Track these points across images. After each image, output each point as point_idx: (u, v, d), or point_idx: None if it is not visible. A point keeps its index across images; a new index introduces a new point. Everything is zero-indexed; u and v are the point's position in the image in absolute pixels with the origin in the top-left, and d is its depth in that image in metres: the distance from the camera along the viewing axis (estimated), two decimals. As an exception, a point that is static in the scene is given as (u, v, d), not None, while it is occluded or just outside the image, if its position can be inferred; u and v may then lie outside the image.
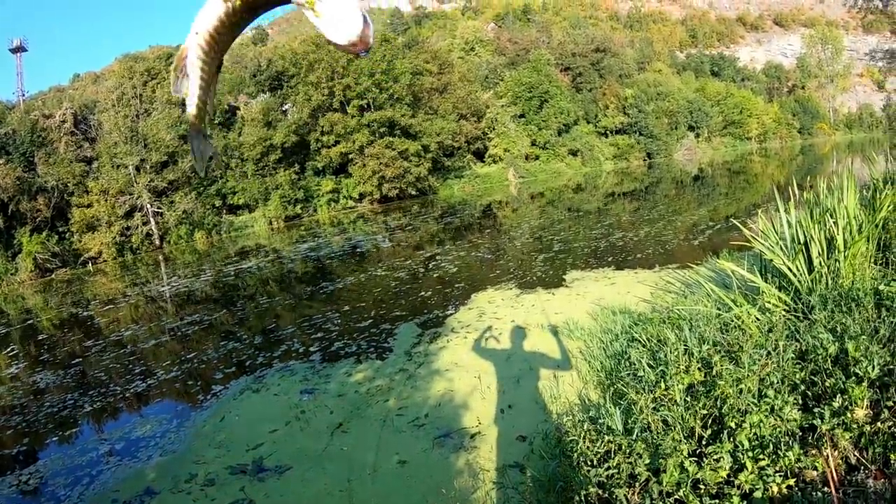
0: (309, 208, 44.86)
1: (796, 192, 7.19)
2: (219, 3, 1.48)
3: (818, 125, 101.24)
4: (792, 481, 3.07)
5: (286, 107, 48.58)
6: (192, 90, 1.57)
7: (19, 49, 76.04)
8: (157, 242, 37.45)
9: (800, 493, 3.03)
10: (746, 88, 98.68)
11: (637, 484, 3.47)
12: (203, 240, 38.34)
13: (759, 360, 4.17)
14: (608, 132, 70.31)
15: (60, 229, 34.89)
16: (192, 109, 1.60)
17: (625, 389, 5.12)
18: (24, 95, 65.50)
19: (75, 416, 8.60)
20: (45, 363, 12.23)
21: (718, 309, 6.07)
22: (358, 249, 23.45)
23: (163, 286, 21.47)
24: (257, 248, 29.58)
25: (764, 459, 3.15)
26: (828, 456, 3.10)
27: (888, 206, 6.43)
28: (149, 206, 37.23)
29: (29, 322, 18.15)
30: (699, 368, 4.39)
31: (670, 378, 4.41)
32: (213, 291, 18.45)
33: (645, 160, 69.03)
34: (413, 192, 47.99)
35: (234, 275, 21.15)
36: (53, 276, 31.16)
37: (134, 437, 7.44)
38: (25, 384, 10.84)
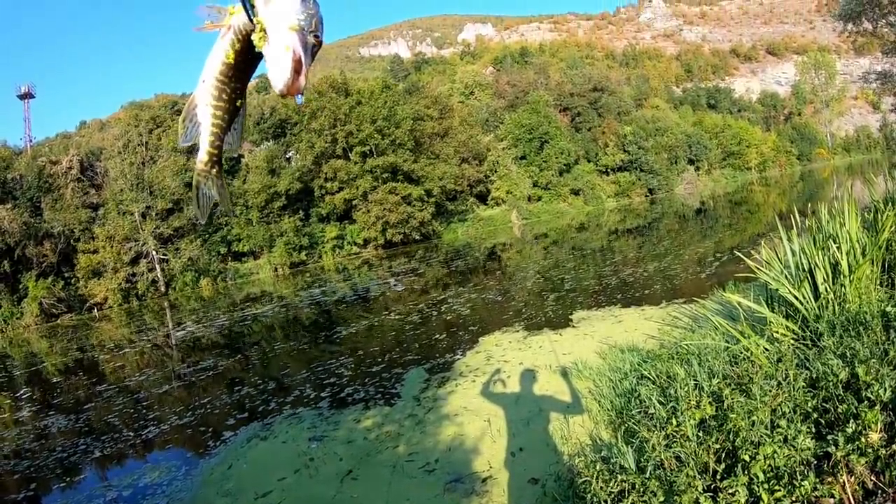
0: (314, 255, 44.97)
1: (798, 219, 7.19)
2: (222, 49, 1.49)
3: (816, 150, 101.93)
4: (809, 511, 3.01)
5: (290, 154, 49.13)
6: (203, 137, 1.57)
7: (27, 95, 77.23)
8: (163, 289, 37.56)
9: (818, 524, 2.98)
10: (743, 119, 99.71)
11: (652, 522, 3.41)
12: (208, 287, 38.42)
13: (770, 391, 4.12)
14: (609, 170, 70.67)
15: (66, 275, 35.13)
16: (203, 156, 1.59)
17: (636, 427, 5.06)
18: (31, 141, 66.40)
19: (82, 462, 8.55)
20: (52, 408, 12.20)
21: (727, 342, 6.02)
22: (363, 295, 23.45)
23: (169, 333, 21.45)
24: (263, 295, 29.57)
25: (780, 490, 3.09)
26: (844, 482, 3.05)
27: (890, 227, 6.41)
28: (154, 252, 37.45)
29: (35, 367, 18.15)
30: (710, 402, 4.33)
31: (681, 414, 4.36)
32: (219, 338, 18.41)
33: (647, 196, 69.25)
34: (417, 237, 48.10)
35: (241, 322, 21.12)
36: (59, 321, 31.26)
37: (141, 484, 7.36)
38: (32, 429, 10.81)
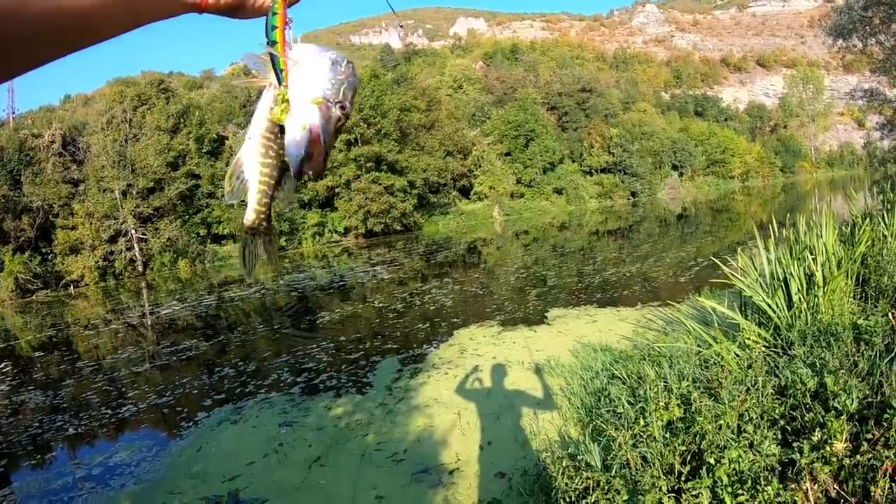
0: (293, 241, 44.74)
1: (776, 229, 7.25)
2: (266, 105, 1.34)
3: (800, 163, 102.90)
4: (770, 517, 3.04)
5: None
6: (251, 195, 1.44)
7: (12, 66, 75.86)
8: (140, 269, 37.17)
9: (778, 530, 3.00)
10: (730, 128, 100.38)
11: (615, 520, 3.43)
12: (186, 268, 38.11)
13: (739, 396, 4.16)
14: (593, 171, 70.99)
15: (43, 250, 34.67)
16: (250, 215, 1.45)
17: (604, 426, 5.09)
18: (14, 113, 65.11)
19: (54, 440, 8.47)
20: (25, 385, 12.05)
21: (699, 346, 6.06)
22: (341, 284, 23.38)
23: (145, 313, 21.27)
24: (240, 279, 29.39)
25: (743, 495, 3.12)
26: (807, 490, 3.08)
27: (866, 241, 6.49)
28: (133, 231, 37.03)
29: (9, 343, 17.91)
30: (678, 405, 4.37)
31: (649, 414, 4.39)
32: (195, 321, 18.28)
33: (629, 199, 69.63)
34: (398, 228, 48.06)
35: (217, 305, 21.00)
36: (34, 297, 30.87)
37: (109, 463, 7.30)
38: (6, 405, 10.67)
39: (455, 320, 13.41)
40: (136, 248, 37.23)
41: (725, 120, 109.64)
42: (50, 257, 34.84)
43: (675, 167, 78.76)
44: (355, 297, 19.53)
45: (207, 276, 33.51)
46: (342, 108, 1.21)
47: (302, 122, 1.17)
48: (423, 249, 34.86)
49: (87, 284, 34.23)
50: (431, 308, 15.37)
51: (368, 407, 8.11)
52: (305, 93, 1.19)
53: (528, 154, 63.29)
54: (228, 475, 6.42)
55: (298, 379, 10.09)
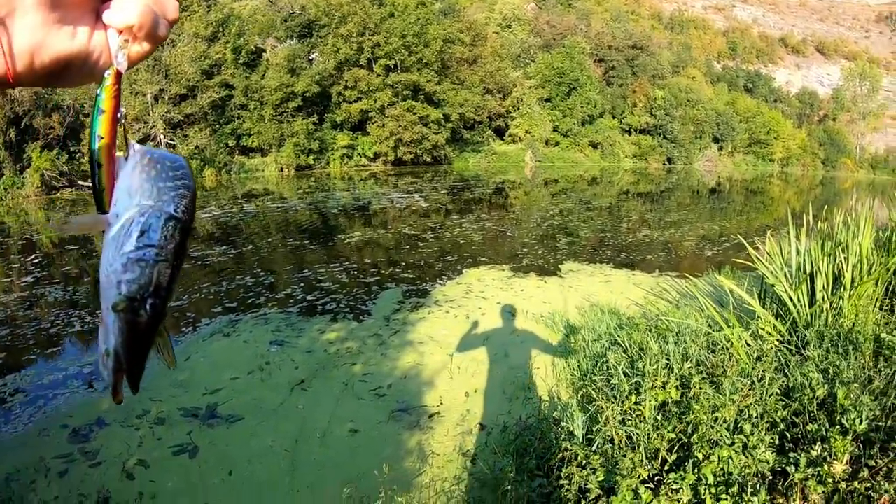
0: (322, 160, 44.44)
1: (811, 219, 6.88)
2: None
3: (843, 159, 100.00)
4: (752, 528, 2.81)
5: (313, 56, 47.93)
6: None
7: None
8: (167, 174, 37.20)
9: (758, 543, 2.78)
10: (777, 110, 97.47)
11: (585, 502, 3.21)
12: (212, 177, 38.09)
13: (742, 390, 3.90)
14: (632, 130, 69.56)
15: (71, 149, 34.59)
16: None
17: (594, 395, 4.87)
18: (53, 10, 64.81)
19: (56, 335, 8.36)
20: (40, 280, 11.95)
21: (709, 326, 5.79)
22: (362, 208, 23.23)
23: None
24: (264, 193, 29.36)
25: (727, 500, 2.89)
26: (796, 507, 2.85)
27: (905, 252, 6.13)
28: (162, 136, 36.87)
29: (28, 237, 17.96)
30: (676, 387, 4.12)
31: (644, 391, 4.15)
32: (212, 229, 18.21)
33: (664, 164, 68.36)
34: (428, 159, 47.62)
35: (238, 215, 20.93)
36: (59, 194, 30.98)
37: (98, 364, 7.20)
38: (16, 299, 10.63)
39: (467, 259, 13.23)
40: (164, 153, 37.19)
41: (775, 101, 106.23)
42: (77, 156, 34.67)
43: (715, 139, 76.87)
44: (373, 223, 19.37)
45: (232, 186, 33.48)
46: (152, 305, 0.80)
47: (103, 346, 0.81)
48: (451, 184, 34.58)
49: (111, 185, 34.29)
50: (446, 243, 15.18)
51: (362, 336, 7.99)
52: (108, 291, 0.78)
53: (569, 103, 62.04)
54: (210, 388, 6.35)
55: (298, 298, 9.99)
